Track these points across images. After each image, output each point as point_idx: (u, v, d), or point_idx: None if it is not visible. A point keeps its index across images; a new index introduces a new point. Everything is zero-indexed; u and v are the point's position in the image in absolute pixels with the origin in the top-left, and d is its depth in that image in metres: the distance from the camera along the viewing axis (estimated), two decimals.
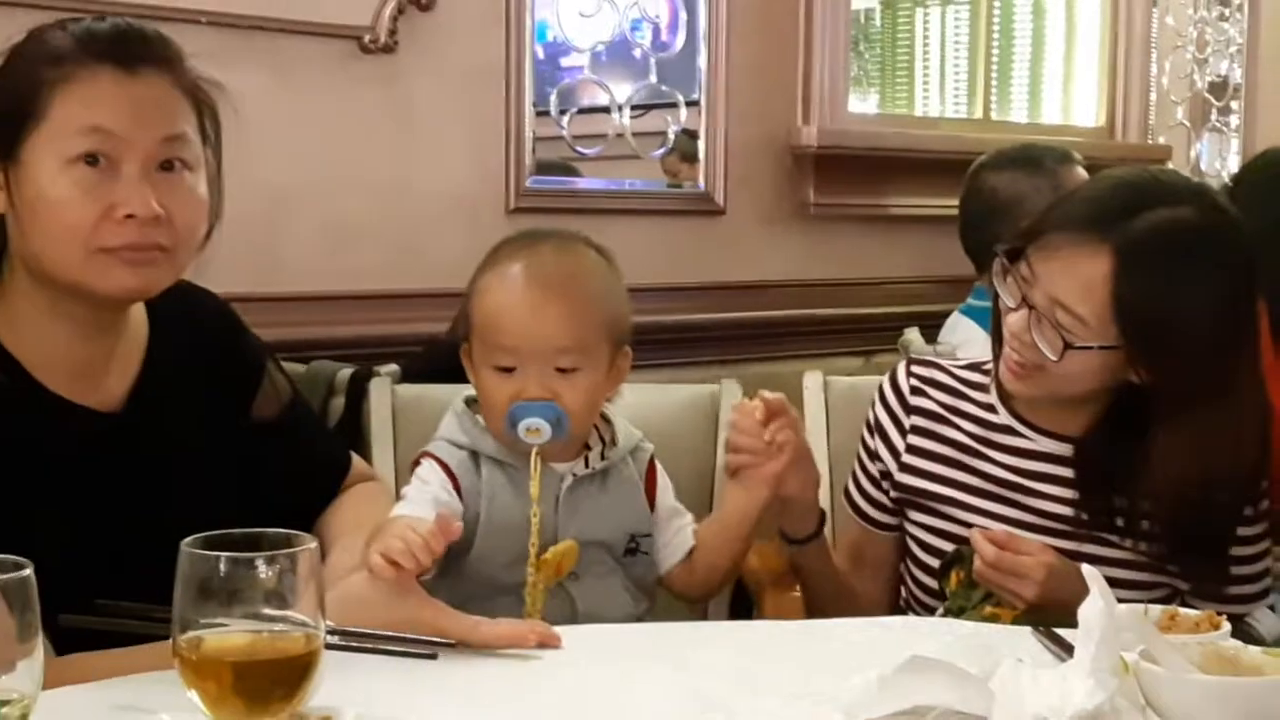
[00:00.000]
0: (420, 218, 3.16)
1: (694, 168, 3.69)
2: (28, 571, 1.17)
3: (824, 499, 2.24)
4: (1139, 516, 2.08)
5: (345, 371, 2.60)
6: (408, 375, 2.53)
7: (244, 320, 2.01)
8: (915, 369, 2.29)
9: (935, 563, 2.16)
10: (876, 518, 2.30)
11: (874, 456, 2.28)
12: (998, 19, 4.70)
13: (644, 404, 2.29)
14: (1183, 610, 1.63)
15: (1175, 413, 2.01)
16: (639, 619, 2.01)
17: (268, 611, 1.22)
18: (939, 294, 3.75)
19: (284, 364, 2.07)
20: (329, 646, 1.26)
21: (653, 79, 3.60)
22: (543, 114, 3.37)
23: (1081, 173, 3.19)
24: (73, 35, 1.72)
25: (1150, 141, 4.96)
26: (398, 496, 2.02)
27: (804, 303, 3.86)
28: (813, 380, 2.57)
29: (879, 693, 1.32)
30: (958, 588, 2.07)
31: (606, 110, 3.53)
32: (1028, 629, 1.74)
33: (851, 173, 3.98)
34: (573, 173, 3.50)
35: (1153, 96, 4.99)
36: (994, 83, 4.66)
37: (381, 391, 2.42)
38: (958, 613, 2.03)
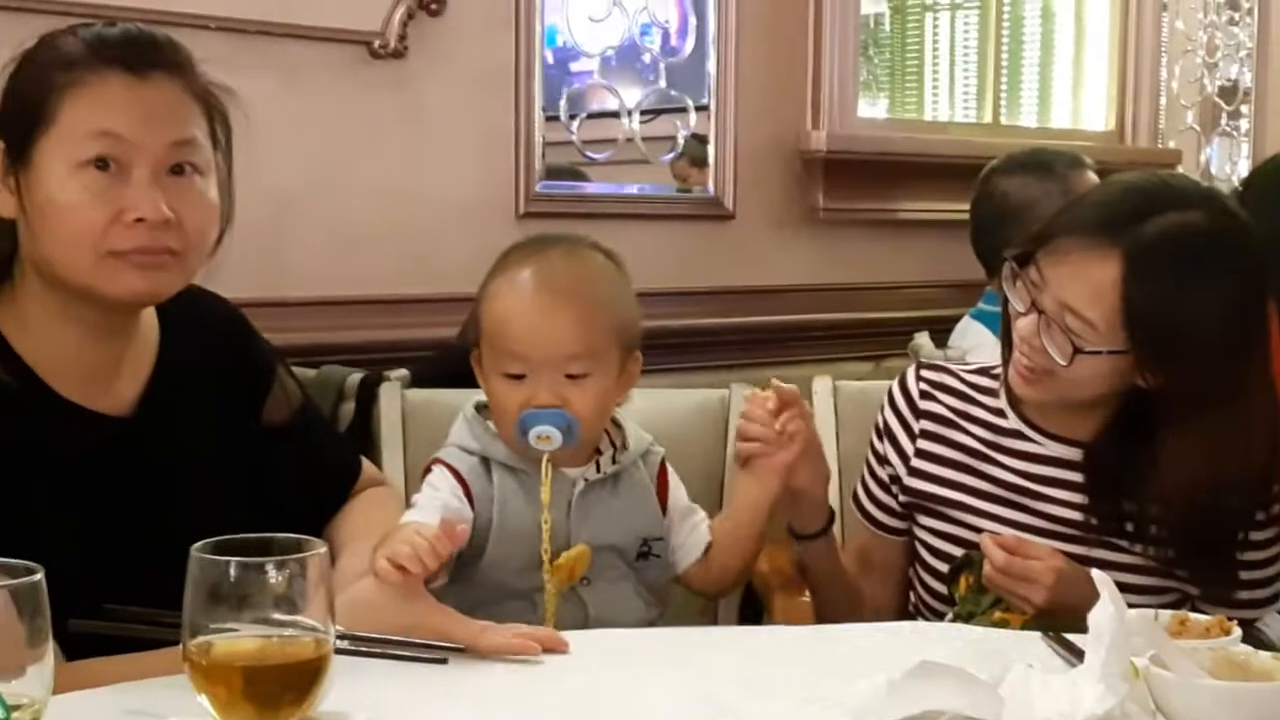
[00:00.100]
0: (430, 223, 3.16)
1: (703, 172, 3.69)
2: (38, 576, 1.17)
3: (833, 503, 2.24)
4: (1148, 521, 2.07)
5: (355, 376, 2.60)
6: (418, 380, 2.53)
7: (254, 325, 2.01)
8: (924, 373, 2.29)
9: (944, 568, 2.15)
10: (885, 522, 2.30)
11: (883, 461, 2.28)
12: (1007, 23, 4.70)
13: (653, 408, 2.29)
14: (1193, 615, 1.63)
15: (1185, 417, 2.00)
16: (651, 623, 2.01)
17: (278, 616, 1.22)
18: (949, 298, 3.75)
19: (294, 369, 2.08)
20: (339, 651, 1.26)
21: (662, 84, 3.60)
22: (552, 119, 3.37)
23: (1093, 177, 3.19)
24: (83, 40, 1.73)
25: (1160, 146, 4.95)
26: (408, 502, 2.02)
27: (813, 307, 3.86)
28: (822, 385, 2.57)
29: (888, 698, 1.32)
30: (967, 593, 2.06)
31: (616, 115, 3.53)
32: (1037, 634, 1.74)
33: (861, 177, 3.98)
34: (582, 177, 3.51)
35: (1162, 101, 4.98)
36: (1003, 87, 4.66)
37: (391, 396, 2.43)
38: (967, 618, 2.03)
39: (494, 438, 2.00)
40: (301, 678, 1.22)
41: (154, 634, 1.55)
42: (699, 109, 3.65)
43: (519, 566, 1.94)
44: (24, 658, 1.16)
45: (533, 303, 1.97)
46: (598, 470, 2.01)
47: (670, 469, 2.10)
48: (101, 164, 1.68)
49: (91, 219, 1.67)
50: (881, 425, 2.30)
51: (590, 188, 3.51)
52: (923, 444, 2.23)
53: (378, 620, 1.64)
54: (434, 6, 3.09)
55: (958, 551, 2.13)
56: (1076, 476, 2.12)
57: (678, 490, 2.10)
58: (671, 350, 3.24)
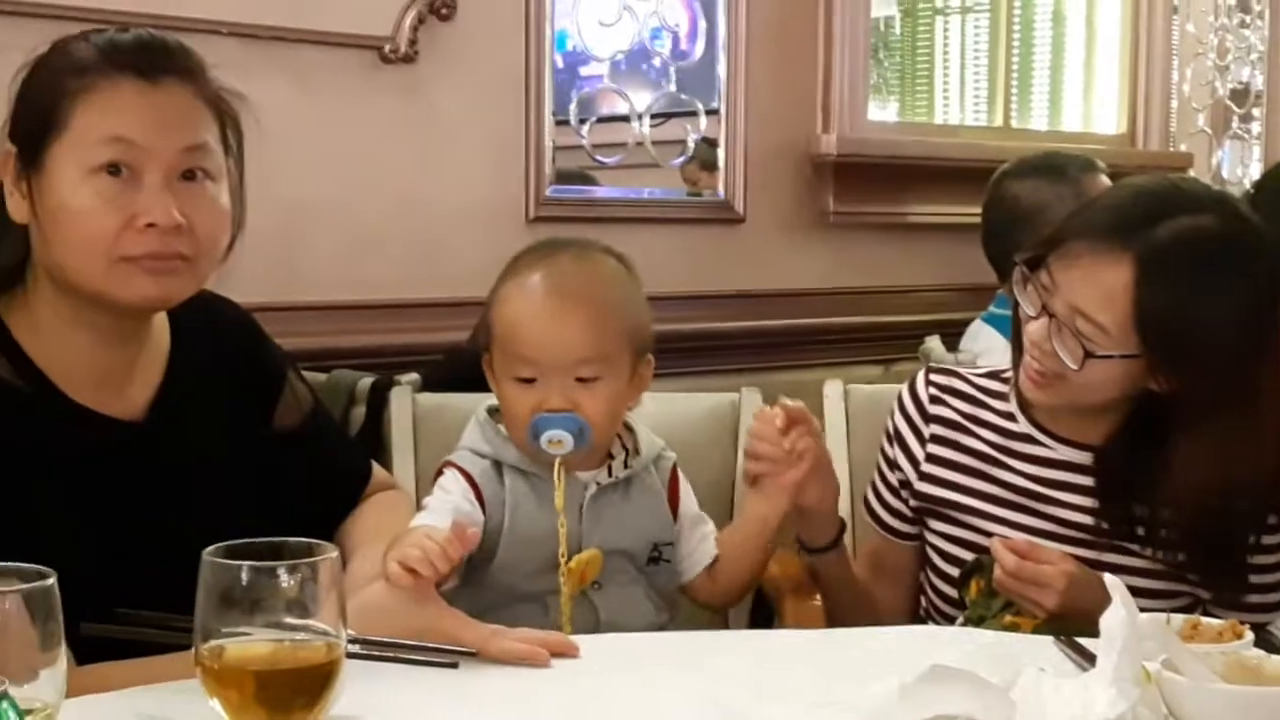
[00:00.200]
0: (440, 227, 3.16)
1: (714, 176, 3.69)
2: (51, 581, 1.17)
3: (844, 508, 2.24)
4: (1160, 525, 2.07)
5: (366, 380, 2.61)
6: (428, 384, 2.53)
7: (265, 330, 2.01)
8: (934, 378, 2.29)
9: (955, 572, 2.15)
10: (896, 527, 2.30)
11: (893, 466, 2.28)
12: (1018, 27, 4.69)
13: (664, 412, 2.29)
14: (1205, 619, 1.62)
15: (1197, 421, 2.00)
16: (661, 628, 2.01)
17: (289, 620, 1.22)
18: (960, 302, 3.75)
19: (305, 373, 2.08)
20: (350, 655, 1.27)
21: (672, 88, 3.60)
22: (562, 123, 3.37)
23: (1105, 181, 3.19)
24: (95, 46, 1.73)
25: (1171, 149, 4.95)
26: (419, 505, 2.02)
27: (824, 311, 3.86)
28: (833, 389, 2.57)
29: (900, 701, 1.32)
30: (978, 597, 2.06)
31: (626, 119, 3.53)
32: (1049, 638, 1.73)
33: (871, 181, 3.97)
34: (592, 181, 3.51)
35: (1174, 104, 4.98)
36: (1014, 90, 4.65)
37: (402, 400, 2.43)
38: (978, 622, 2.02)
39: (506, 441, 2.00)
40: (313, 682, 1.22)
41: (166, 638, 1.55)
42: (709, 113, 3.65)
43: (530, 570, 1.94)
44: (36, 662, 1.16)
45: (543, 306, 1.97)
46: (610, 475, 2.01)
47: (681, 475, 2.10)
48: (113, 169, 1.68)
49: (103, 224, 1.67)
50: (891, 430, 2.30)
51: (600, 192, 3.51)
52: (933, 448, 2.23)
53: (389, 623, 1.64)
54: (444, 11, 3.10)
55: (968, 556, 2.13)
56: (1087, 480, 2.12)
57: (688, 497, 2.10)
58: (682, 354, 3.24)
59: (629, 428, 2.08)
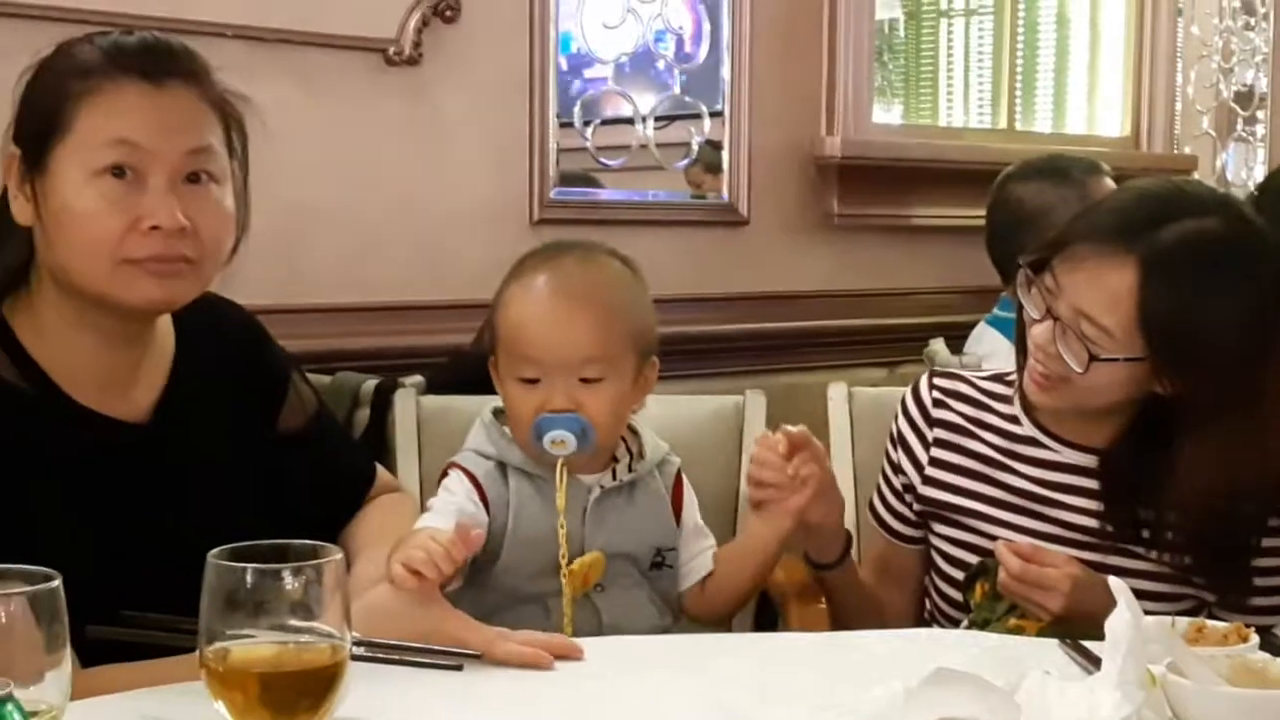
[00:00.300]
0: (444, 229, 3.16)
1: (718, 178, 3.69)
2: (56, 583, 1.17)
3: (848, 511, 2.23)
4: (1165, 528, 2.07)
5: (370, 383, 2.61)
6: (432, 386, 2.53)
7: (270, 332, 2.02)
8: (937, 381, 2.28)
9: (960, 575, 2.15)
10: (901, 530, 2.30)
11: (897, 469, 2.28)
12: (1022, 29, 4.69)
13: (669, 415, 2.29)
14: (1210, 622, 1.62)
15: (1201, 424, 2.00)
16: (665, 631, 2.01)
17: (294, 623, 1.22)
18: (964, 304, 3.75)
19: (309, 375, 2.08)
20: (355, 658, 1.27)
21: (676, 90, 3.60)
22: (566, 125, 3.37)
23: (1109, 184, 3.18)
24: (100, 48, 1.73)
25: (1175, 151, 4.94)
26: (423, 508, 2.02)
27: (828, 313, 3.86)
28: (837, 391, 2.57)
29: (904, 705, 1.32)
30: (982, 600, 2.06)
31: (630, 121, 3.53)
32: (1054, 641, 1.73)
33: (875, 183, 3.97)
34: (596, 184, 3.51)
35: (1178, 106, 4.97)
36: (1018, 93, 4.65)
37: (406, 403, 2.43)
38: (982, 625, 2.02)
39: (510, 443, 2.00)
40: (317, 684, 1.23)
41: (171, 640, 1.55)
42: (713, 115, 3.65)
43: (533, 572, 1.94)
44: (41, 664, 1.16)
45: (547, 307, 1.97)
46: (614, 478, 2.01)
47: (686, 481, 2.10)
48: (118, 172, 1.68)
49: (107, 227, 1.67)
50: (895, 434, 2.29)
51: (604, 194, 3.51)
52: (937, 452, 2.23)
53: (393, 626, 1.64)
54: (449, 14, 3.10)
55: (973, 559, 2.13)
56: (1092, 483, 2.12)
57: (692, 504, 2.10)
58: (686, 356, 3.24)
59: (634, 431, 2.07)
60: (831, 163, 3.86)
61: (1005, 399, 2.22)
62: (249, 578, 1.20)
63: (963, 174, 4.02)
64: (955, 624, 2.16)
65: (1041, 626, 1.95)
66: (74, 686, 1.20)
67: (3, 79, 1.78)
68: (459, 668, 1.61)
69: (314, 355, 2.58)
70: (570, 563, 1.93)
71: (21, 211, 1.73)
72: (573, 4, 3.37)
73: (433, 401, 2.44)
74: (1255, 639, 1.58)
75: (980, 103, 4.74)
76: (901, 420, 2.28)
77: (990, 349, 3.15)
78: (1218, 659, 1.43)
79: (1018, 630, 1.96)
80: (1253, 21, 5.17)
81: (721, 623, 2.22)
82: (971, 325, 3.38)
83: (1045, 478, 2.14)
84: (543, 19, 3.28)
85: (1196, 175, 4.71)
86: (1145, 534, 2.08)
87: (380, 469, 2.12)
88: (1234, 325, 1.97)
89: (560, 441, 1.93)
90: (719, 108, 3.66)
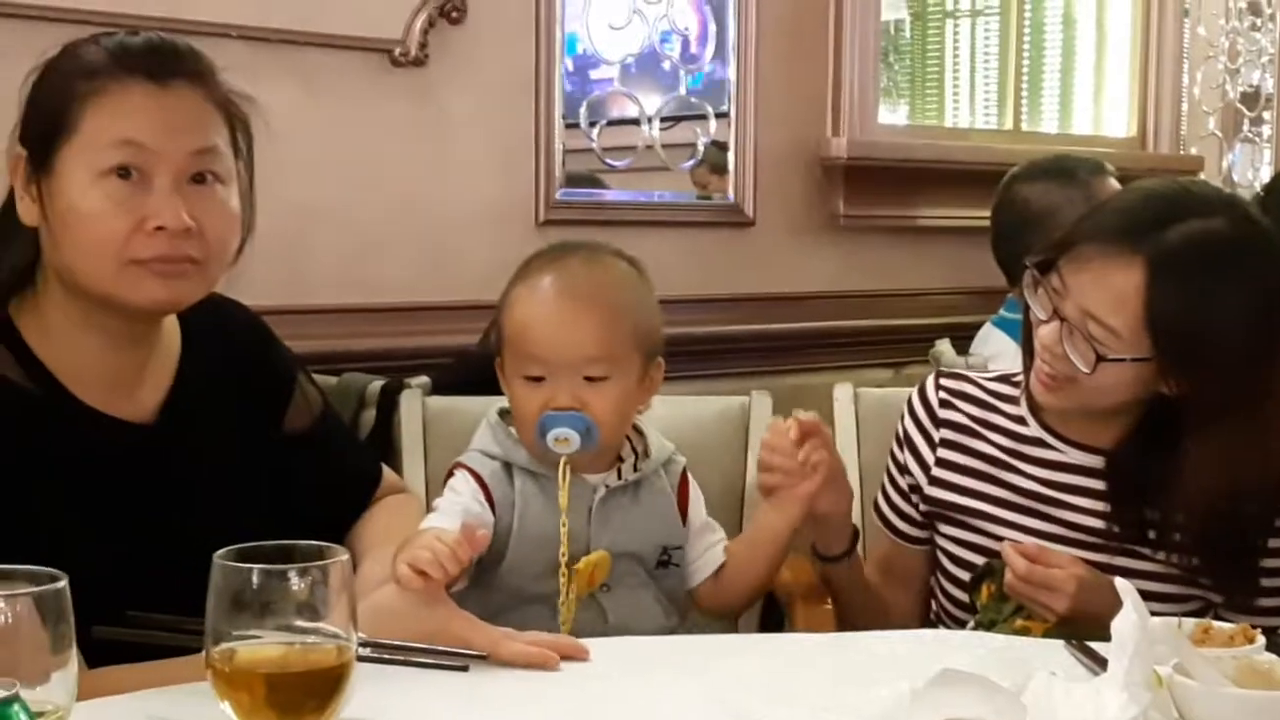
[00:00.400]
0: (450, 230, 3.16)
1: (723, 179, 3.69)
2: (62, 583, 1.17)
3: (854, 512, 2.24)
4: (1171, 529, 2.07)
5: (376, 384, 2.61)
6: (438, 387, 2.54)
7: (275, 333, 2.02)
8: (944, 382, 2.28)
9: (966, 576, 2.15)
10: (906, 531, 2.30)
11: (903, 470, 2.28)
12: (1028, 30, 4.69)
13: (674, 416, 2.29)
14: (1216, 623, 1.62)
15: (1208, 424, 2.00)
16: (671, 632, 2.01)
17: (300, 623, 1.22)
18: (970, 305, 3.74)
19: (315, 376, 2.08)
20: (361, 659, 1.27)
21: (682, 91, 3.60)
22: (572, 126, 3.37)
23: (1115, 184, 3.18)
24: (106, 49, 1.73)
25: (1182, 152, 4.94)
26: (428, 508, 2.02)
27: (834, 314, 3.86)
28: (843, 392, 2.57)
29: (910, 705, 1.32)
30: (989, 601, 2.06)
31: (636, 122, 3.53)
32: (1060, 642, 1.73)
33: (881, 184, 3.97)
34: (602, 185, 3.51)
35: (1184, 107, 4.97)
36: (1024, 94, 4.65)
37: (412, 403, 2.43)
38: (989, 626, 2.02)
39: (516, 443, 2.00)
40: (324, 684, 1.23)
41: (177, 641, 1.55)
42: (719, 116, 3.65)
43: (539, 571, 1.95)
44: (48, 664, 1.16)
45: (552, 306, 1.98)
46: (619, 477, 2.02)
47: (692, 479, 2.10)
48: (123, 172, 1.68)
49: (113, 227, 1.68)
50: (901, 434, 2.29)
51: (610, 195, 3.51)
52: (943, 453, 2.23)
53: (399, 626, 1.64)
54: (455, 14, 3.10)
55: (979, 560, 2.13)
56: (1098, 484, 2.12)
57: (698, 502, 2.10)
58: (692, 357, 3.24)
59: (639, 431, 2.08)
60: (837, 163, 3.86)
61: (1012, 400, 2.22)
62: (255, 578, 1.20)
63: (969, 175, 4.01)
64: (961, 625, 2.16)
65: (1048, 627, 1.95)
66: (80, 687, 1.20)
67: (9, 80, 1.78)
68: (465, 668, 1.61)
69: (320, 356, 2.58)
70: (573, 561, 1.93)
71: (28, 212, 1.74)
72: (579, 5, 3.37)
73: (438, 402, 2.44)
74: (1261, 640, 1.58)
75: (986, 103, 4.73)
76: (908, 420, 2.28)
77: (996, 350, 3.15)
78: (1224, 660, 1.43)
79: (1024, 631, 1.96)
80: (1259, 22, 5.16)
81: (735, 616, 2.24)
82: (978, 326, 3.38)
83: (1052, 478, 2.14)
84: (549, 20, 3.28)
85: (1202, 176, 4.70)
86: (1151, 535, 2.08)
87: (386, 470, 2.12)
88: (1240, 325, 1.97)
89: (564, 439, 1.93)
90: (725, 109, 3.65)
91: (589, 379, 1.96)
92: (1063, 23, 4.85)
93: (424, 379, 2.56)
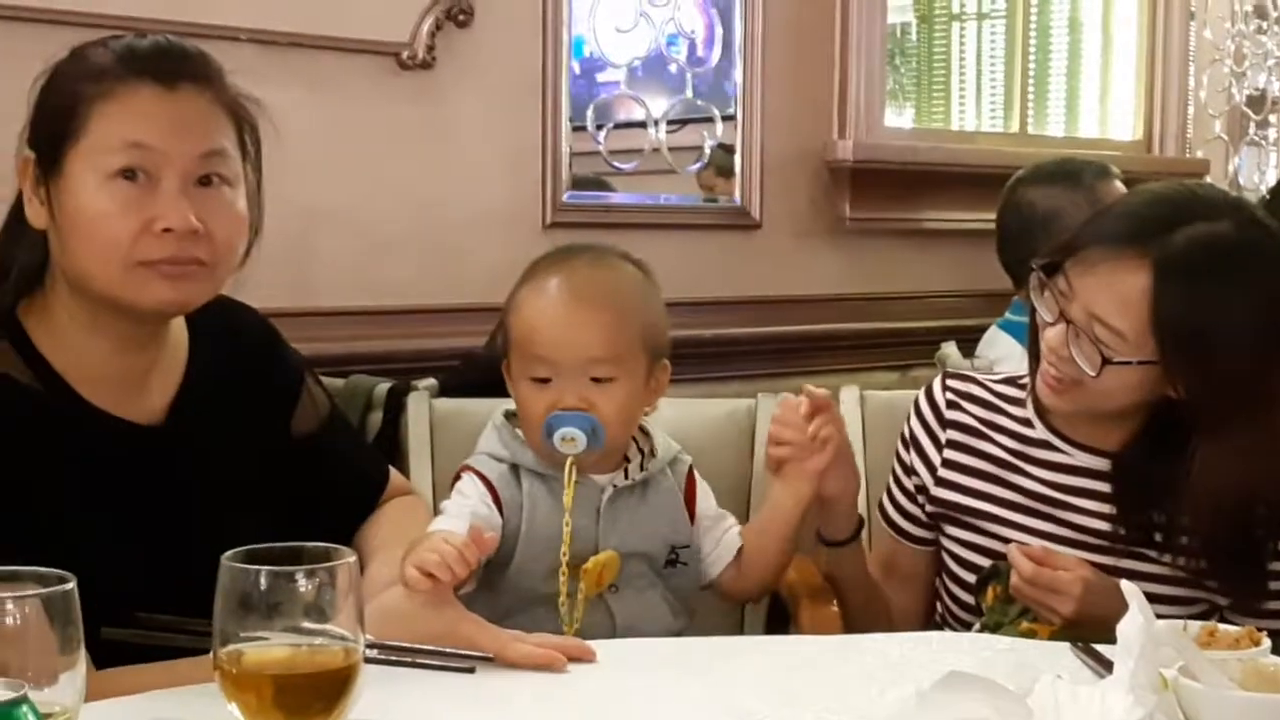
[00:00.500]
0: (457, 233, 3.17)
1: (730, 182, 3.69)
2: (70, 585, 1.17)
3: (860, 508, 2.24)
4: (1178, 531, 2.07)
5: (383, 386, 2.61)
6: (445, 389, 2.54)
7: (283, 335, 2.02)
8: (951, 383, 2.29)
9: (972, 578, 2.15)
10: (911, 532, 2.30)
11: (909, 471, 2.28)
12: (1034, 33, 4.68)
13: (680, 418, 2.29)
14: (1222, 626, 1.62)
15: (1214, 427, 2.00)
16: (678, 633, 2.01)
17: (307, 625, 1.22)
18: (976, 308, 3.74)
19: (322, 378, 2.08)
20: (368, 661, 1.27)
21: (689, 94, 3.60)
22: (579, 129, 3.37)
23: (1120, 187, 3.18)
24: (114, 52, 1.74)
25: (1188, 155, 4.93)
26: (436, 510, 2.02)
27: (840, 317, 3.86)
28: (849, 395, 2.57)
29: (917, 708, 1.32)
30: (994, 603, 2.06)
31: (642, 125, 3.53)
32: (1066, 645, 1.73)
33: (887, 187, 3.97)
34: (608, 188, 3.51)
35: (1190, 110, 4.97)
36: (1030, 97, 4.65)
37: (419, 406, 2.43)
38: (994, 628, 2.02)
39: (523, 445, 2.01)
40: (331, 686, 1.23)
41: (184, 642, 1.55)
42: (725, 119, 3.65)
43: (547, 573, 1.95)
44: (56, 665, 1.16)
45: (558, 307, 1.98)
46: (626, 477, 2.02)
47: (698, 477, 2.11)
48: (130, 174, 1.69)
49: (120, 229, 1.68)
50: (908, 435, 2.30)
51: (616, 198, 3.51)
52: (949, 454, 2.23)
53: (407, 628, 1.65)
54: (462, 18, 3.10)
55: (985, 562, 2.13)
56: (1104, 487, 2.12)
57: (706, 498, 2.11)
58: (698, 360, 3.24)
59: (645, 432, 2.08)
60: (843, 166, 3.86)
61: (1018, 401, 2.22)
62: (263, 580, 1.21)
63: (975, 178, 4.01)
64: (967, 627, 2.16)
65: (1054, 630, 1.95)
66: (88, 688, 1.20)
67: (18, 83, 1.78)
68: (472, 670, 1.62)
69: (327, 358, 2.58)
70: (578, 561, 1.93)
71: (37, 215, 1.74)
72: (585, 8, 3.37)
73: (445, 404, 2.45)
74: (1267, 643, 1.58)
75: (992, 106, 4.73)
76: (914, 421, 2.28)
77: (1002, 353, 3.15)
78: (1230, 663, 1.43)
79: (1030, 634, 1.96)
80: (1265, 25, 5.16)
81: (756, 600, 2.24)
82: (983, 329, 3.38)
83: (1058, 480, 2.14)
84: (556, 23, 3.28)
85: (1208, 179, 4.70)
86: (1158, 537, 2.08)
87: (393, 472, 2.12)
88: (1246, 329, 1.97)
89: (571, 439, 1.94)
90: (731, 111, 3.66)
91: (595, 380, 1.96)
92: (1069, 26, 4.85)
93: (431, 381, 2.56)
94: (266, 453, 1.90)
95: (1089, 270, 2.01)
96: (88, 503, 1.71)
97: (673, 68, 3.58)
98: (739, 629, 2.33)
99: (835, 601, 2.26)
